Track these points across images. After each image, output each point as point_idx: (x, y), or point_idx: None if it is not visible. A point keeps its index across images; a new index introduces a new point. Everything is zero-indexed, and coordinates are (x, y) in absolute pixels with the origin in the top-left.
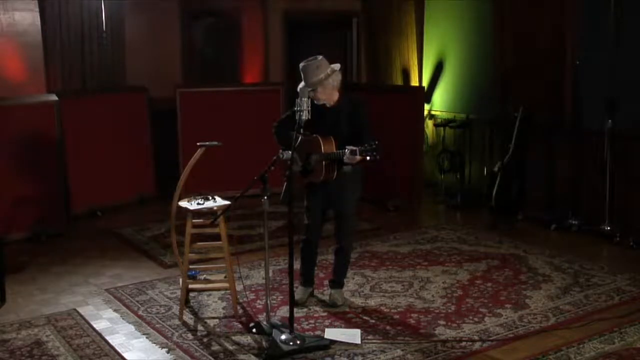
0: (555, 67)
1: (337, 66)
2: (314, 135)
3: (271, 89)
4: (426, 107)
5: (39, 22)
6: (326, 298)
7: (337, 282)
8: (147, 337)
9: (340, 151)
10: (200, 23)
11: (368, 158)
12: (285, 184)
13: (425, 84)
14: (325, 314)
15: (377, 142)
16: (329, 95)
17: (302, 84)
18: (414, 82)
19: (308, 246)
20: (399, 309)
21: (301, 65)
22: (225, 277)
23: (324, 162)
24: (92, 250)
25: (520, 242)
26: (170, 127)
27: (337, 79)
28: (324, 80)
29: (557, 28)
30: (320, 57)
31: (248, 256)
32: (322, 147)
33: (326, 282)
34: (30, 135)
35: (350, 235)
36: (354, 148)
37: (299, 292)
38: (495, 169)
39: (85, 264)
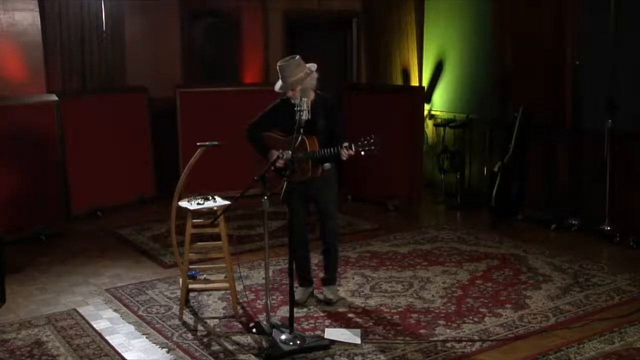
0: (555, 67)
1: (314, 66)
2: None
3: (271, 89)
4: (426, 107)
5: (39, 22)
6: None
7: (329, 279)
8: (147, 337)
9: (333, 148)
10: (200, 23)
11: (362, 153)
12: (284, 184)
13: (425, 84)
14: (325, 314)
15: (373, 137)
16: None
17: (279, 84)
18: (414, 82)
19: (298, 246)
20: (399, 309)
21: (280, 64)
22: (225, 277)
23: (310, 161)
24: (92, 250)
25: (520, 242)
26: (170, 127)
27: (315, 77)
28: (304, 80)
29: (557, 28)
30: (297, 56)
31: (248, 256)
32: (308, 146)
33: None
34: (30, 135)
35: (336, 232)
36: (349, 144)
37: (299, 292)
38: (495, 169)
39: (85, 264)
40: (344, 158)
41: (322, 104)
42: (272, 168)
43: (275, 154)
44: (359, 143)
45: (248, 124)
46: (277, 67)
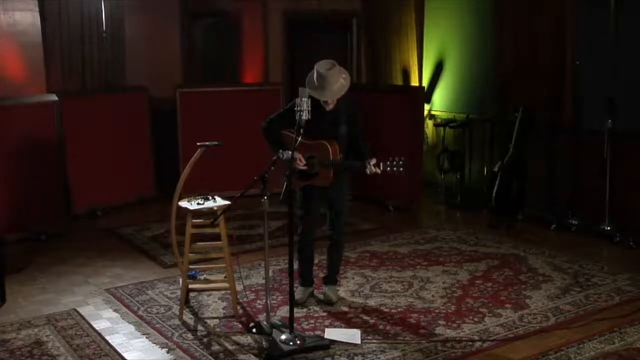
0: (555, 67)
1: (345, 70)
2: (321, 140)
3: (271, 89)
4: (426, 107)
5: (39, 22)
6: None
7: (332, 279)
8: (147, 337)
9: (362, 162)
10: (200, 23)
11: (389, 170)
12: (285, 183)
13: (425, 84)
14: (325, 314)
15: (403, 159)
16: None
17: (317, 90)
18: (414, 82)
19: (306, 246)
20: (399, 309)
21: (323, 72)
22: (225, 277)
23: (332, 168)
24: (92, 250)
25: (520, 242)
26: (170, 127)
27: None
28: (346, 87)
29: (557, 28)
30: (332, 61)
31: (248, 256)
32: (331, 153)
33: None
34: (30, 135)
35: (343, 231)
36: (378, 161)
37: (299, 292)
38: (495, 168)
39: (85, 264)
40: (368, 173)
41: (345, 108)
42: (272, 168)
43: (283, 154)
44: (388, 163)
45: (266, 120)
46: (319, 74)
